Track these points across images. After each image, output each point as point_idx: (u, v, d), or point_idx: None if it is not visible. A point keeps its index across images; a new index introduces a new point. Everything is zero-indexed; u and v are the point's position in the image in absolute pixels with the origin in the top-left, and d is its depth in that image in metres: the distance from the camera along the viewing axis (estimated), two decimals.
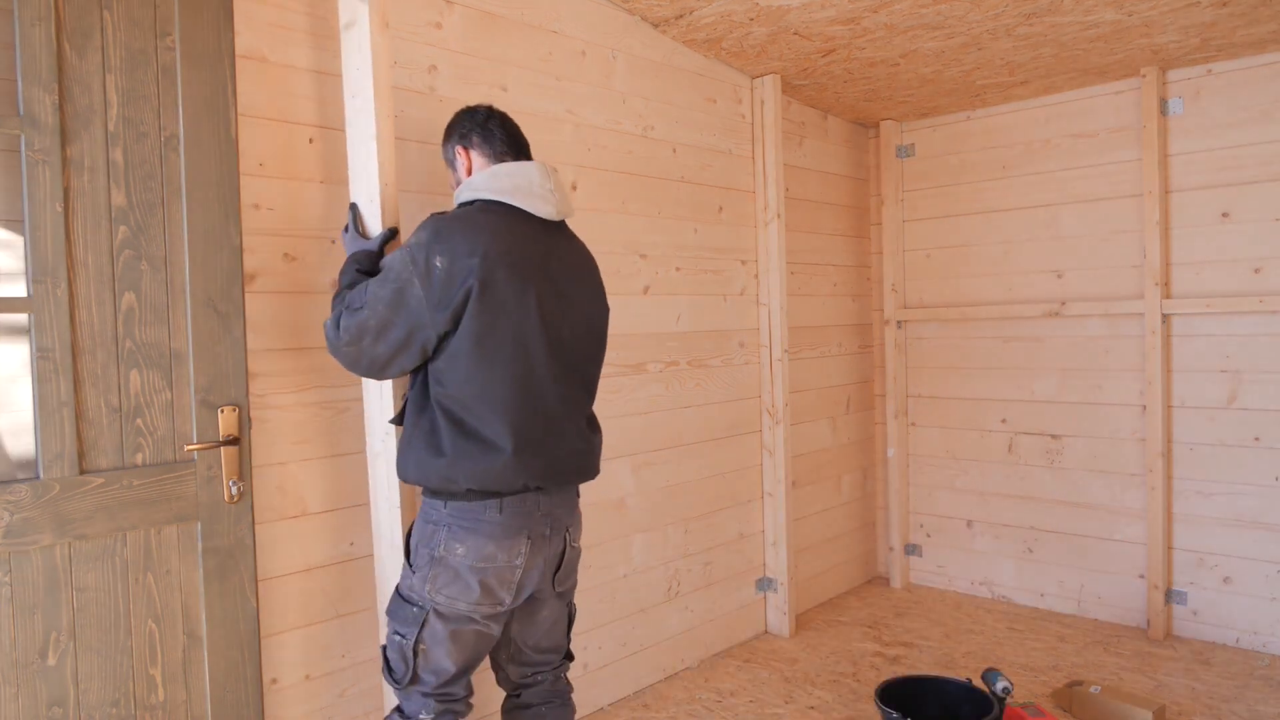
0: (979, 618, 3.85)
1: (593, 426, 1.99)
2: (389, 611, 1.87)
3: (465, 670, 1.87)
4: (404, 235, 2.22)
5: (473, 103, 2.08)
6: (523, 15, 2.73)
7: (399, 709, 1.89)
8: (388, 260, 1.79)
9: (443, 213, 1.87)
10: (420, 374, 1.84)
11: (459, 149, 1.97)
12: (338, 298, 1.86)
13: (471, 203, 1.86)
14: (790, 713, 2.97)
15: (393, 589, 1.93)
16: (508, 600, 1.83)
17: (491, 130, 1.95)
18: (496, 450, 1.75)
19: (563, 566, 1.93)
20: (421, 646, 1.81)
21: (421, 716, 1.85)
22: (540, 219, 1.88)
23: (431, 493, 1.83)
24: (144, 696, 1.79)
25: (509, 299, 1.76)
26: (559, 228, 1.94)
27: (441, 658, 1.82)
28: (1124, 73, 3.53)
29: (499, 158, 1.94)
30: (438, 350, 1.78)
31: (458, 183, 1.99)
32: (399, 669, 1.85)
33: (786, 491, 3.64)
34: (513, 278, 1.76)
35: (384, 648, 1.88)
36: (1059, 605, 3.89)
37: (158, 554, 1.81)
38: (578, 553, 1.98)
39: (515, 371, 1.77)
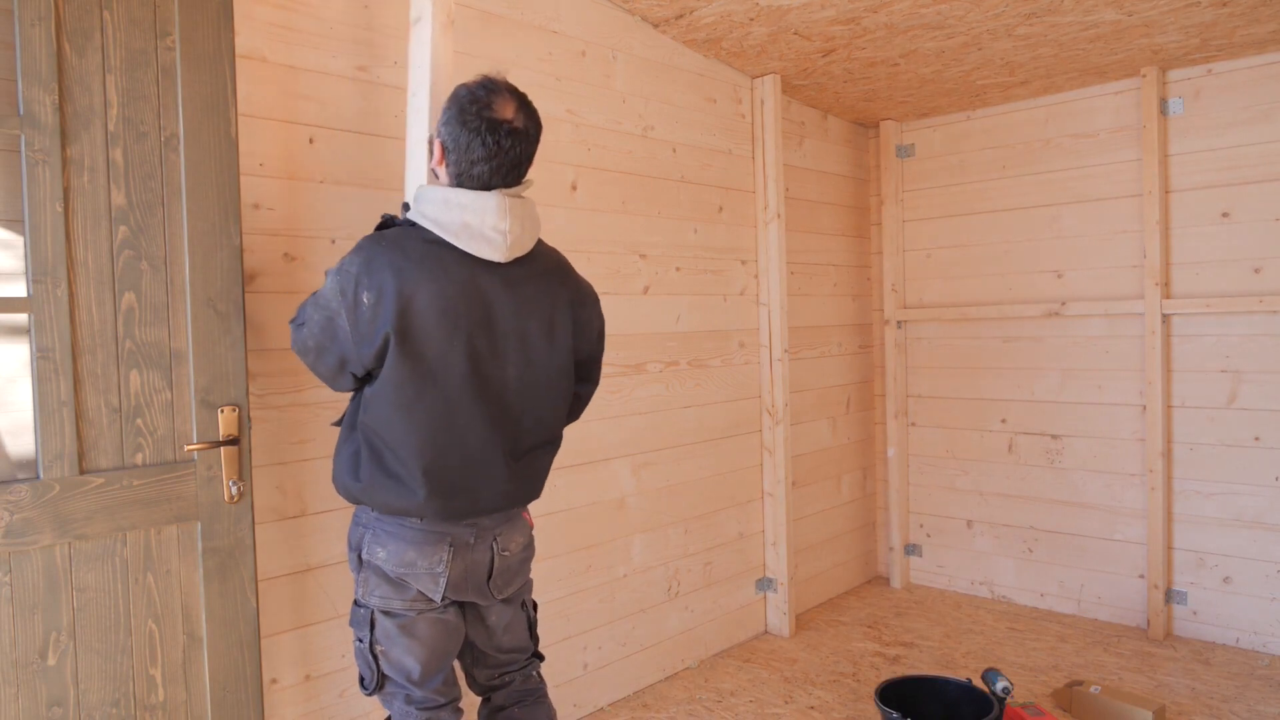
0: (979, 618, 3.85)
1: (531, 458, 1.87)
2: (350, 620, 1.87)
3: (435, 670, 1.84)
4: None
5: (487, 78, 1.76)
6: (523, 15, 2.73)
7: None
8: (328, 275, 1.71)
9: (383, 231, 1.76)
10: (359, 390, 1.80)
11: (437, 142, 1.76)
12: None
13: (415, 225, 1.73)
14: (790, 713, 2.97)
15: None
16: (439, 599, 1.79)
17: (471, 142, 1.69)
18: (411, 494, 1.71)
19: (495, 574, 1.86)
20: (379, 648, 1.80)
21: None
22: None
23: None
24: (144, 696, 1.79)
25: (432, 345, 1.67)
26: (519, 261, 1.79)
27: (401, 655, 1.80)
28: (1124, 73, 3.53)
29: (463, 180, 1.72)
30: (369, 377, 1.75)
31: (430, 170, 1.85)
32: (365, 674, 1.84)
33: (786, 491, 3.63)
34: (441, 322, 1.67)
35: None
36: (1059, 605, 3.89)
37: (158, 554, 1.80)
38: (511, 559, 1.89)
39: (435, 420, 1.70)
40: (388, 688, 1.84)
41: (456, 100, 1.73)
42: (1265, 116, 3.31)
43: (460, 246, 1.69)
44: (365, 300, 1.64)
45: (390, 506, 1.74)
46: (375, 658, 1.81)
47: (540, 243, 1.87)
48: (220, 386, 1.88)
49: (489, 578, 1.86)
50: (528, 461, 1.86)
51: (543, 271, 1.84)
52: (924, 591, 4.24)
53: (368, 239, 1.72)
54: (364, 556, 1.80)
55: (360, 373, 1.74)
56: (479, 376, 1.72)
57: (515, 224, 1.73)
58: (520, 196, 1.76)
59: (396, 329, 1.64)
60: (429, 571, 1.77)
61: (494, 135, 1.68)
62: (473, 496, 1.77)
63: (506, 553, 1.88)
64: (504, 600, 1.93)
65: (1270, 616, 3.35)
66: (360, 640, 1.83)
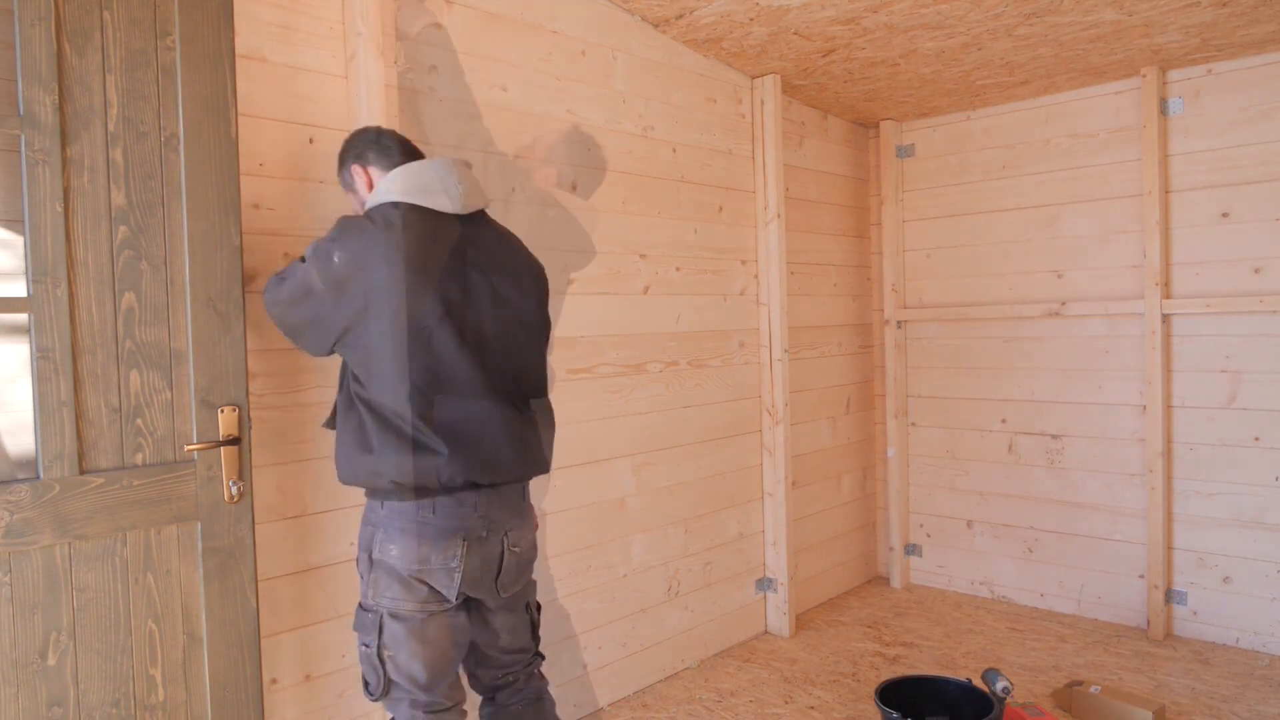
0: (979, 618, 3.85)
1: (530, 417, 1.94)
2: (354, 624, 1.86)
3: (442, 674, 1.84)
4: None
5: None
6: (523, 15, 2.73)
7: None
8: (308, 248, 1.81)
9: (354, 214, 1.88)
10: (344, 373, 1.85)
11: (355, 169, 1.94)
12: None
13: (379, 206, 1.83)
14: (790, 713, 2.97)
15: None
16: (452, 598, 1.80)
17: (386, 144, 1.93)
18: (427, 451, 1.75)
19: (503, 571, 1.88)
20: (386, 652, 1.80)
21: None
22: (452, 214, 1.86)
23: (371, 493, 1.83)
24: (144, 696, 1.79)
25: (410, 300, 1.74)
26: (475, 220, 1.91)
27: (409, 660, 1.79)
28: (1124, 73, 3.53)
29: (398, 164, 1.91)
30: (347, 347, 1.79)
31: (361, 205, 1.95)
32: (371, 679, 1.84)
33: (786, 491, 3.63)
34: (416, 279, 1.74)
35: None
36: (1059, 605, 3.89)
37: (158, 554, 1.80)
38: (520, 556, 1.93)
39: (425, 371, 1.75)
40: (394, 693, 1.83)
41: (351, 137, 1.99)
42: (1265, 116, 3.31)
43: (421, 203, 1.82)
44: (337, 259, 1.73)
45: (403, 469, 1.74)
46: (382, 662, 1.80)
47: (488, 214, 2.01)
48: (220, 386, 1.88)
49: (497, 575, 1.87)
50: (528, 419, 1.91)
51: (499, 232, 1.99)
52: (924, 591, 4.24)
53: (340, 219, 1.84)
54: (374, 556, 1.80)
55: (330, 335, 1.78)
56: (455, 321, 1.79)
57: (461, 177, 1.89)
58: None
59: (377, 282, 1.72)
60: (444, 567, 1.77)
61: (390, 136, 1.95)
62: (480, 450, 1.80)
63: (517, 549, 1.91)
64: (507, 601, 1.94)
65: (1270, 616, 3.35)
66: (366, 645, 1.82)
